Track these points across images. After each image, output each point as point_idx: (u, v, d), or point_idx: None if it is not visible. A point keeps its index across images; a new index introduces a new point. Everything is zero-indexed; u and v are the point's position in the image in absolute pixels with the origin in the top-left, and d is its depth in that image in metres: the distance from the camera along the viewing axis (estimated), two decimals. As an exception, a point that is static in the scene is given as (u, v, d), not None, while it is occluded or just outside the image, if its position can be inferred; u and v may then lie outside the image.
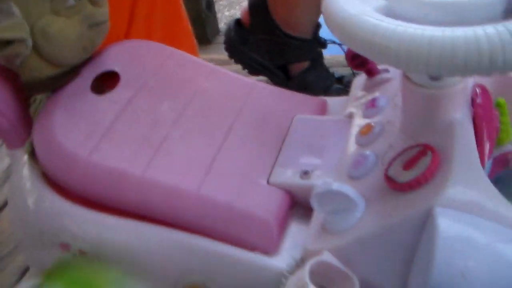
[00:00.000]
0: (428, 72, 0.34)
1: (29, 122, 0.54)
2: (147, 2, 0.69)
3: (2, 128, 0.52)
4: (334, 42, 0.91)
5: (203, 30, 1.42)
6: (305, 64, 0.93)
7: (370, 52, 0.33)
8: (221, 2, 2.20)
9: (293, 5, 0.89)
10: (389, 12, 0.35)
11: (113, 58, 0.58)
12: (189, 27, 0.77)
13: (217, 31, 1.45)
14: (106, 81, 0.57)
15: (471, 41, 0.29)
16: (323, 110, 0.57)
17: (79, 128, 0.51)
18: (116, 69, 0.57)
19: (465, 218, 0.37)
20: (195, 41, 0.78)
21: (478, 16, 0.33)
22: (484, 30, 0.29)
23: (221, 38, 1.07)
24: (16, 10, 0.48)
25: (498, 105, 0.48)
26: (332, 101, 0.58)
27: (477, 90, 0.45)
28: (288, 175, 0.48)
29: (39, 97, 0.55)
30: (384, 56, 0.32)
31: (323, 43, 0.93)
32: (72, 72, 0.55)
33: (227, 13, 2.09)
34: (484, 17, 0.33)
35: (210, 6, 1.53)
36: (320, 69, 0.94)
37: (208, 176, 0.48)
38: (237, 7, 1.94)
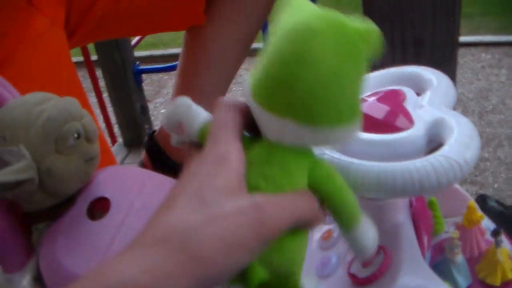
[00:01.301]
0: (378, 197, 0.45)
1: (30, 249, 0.60)
2: None
3: (2, 253, 0.58)
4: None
5: (138, 134, 1.49)
6: None
7: None
8: (156, 100, 2.28)
9: None
10: (340, 150, 0.46)
11: (103, 185, 0.66)
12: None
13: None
14: (98, 205, 0.64)
15: (406, 173, 0.40)
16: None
17: (80, 252, 0.58)
18: (106, 194, 0.65)
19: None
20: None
21: (409, 150, 0.45)
22: (414, 164, 0.41)
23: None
24: (26, 152, 0.56)
25: (431, 203, 0.59)
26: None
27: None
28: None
29: (40, 226, 0.61)
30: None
31: None
32: (68, 201, 0.62)
33: (163, 111, 2.16)
34: (413, 150, 0.45)
35: (145, 110, 1.61)
36: None
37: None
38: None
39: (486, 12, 2.82)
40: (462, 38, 2.58)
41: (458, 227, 0.57)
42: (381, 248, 0.50)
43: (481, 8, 2.84)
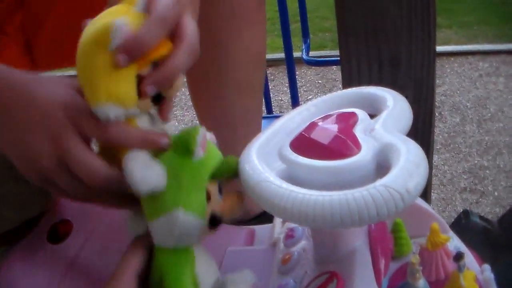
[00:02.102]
0: (317, 227, 0.44)
1: None
2: None
3: None
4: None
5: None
6: None
7: (272, 211, 0.43)
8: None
9: None
10: (288, 175, 0.45)
11: (68, 206, 0.66)
12: None
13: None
14: (62, 227, 0.64)
15: (343, 204, 0.39)
16: (251, 239, 0.66)
17: (39, 277, 0.58)
18: (69, 217, 0.64)
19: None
20: None
21: (355, 176, 0.43)
22: (352, 194, 0.39)
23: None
24: None
25: (396, 224, 0.58)
26: (259, 230, 0.67)
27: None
28: (224, 304, 0.56)
29: None
30: (283, 215, 0.42)
31: None
32: (31, 222, 0.62)
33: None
34: (360, 177, 0.43)
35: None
36: None
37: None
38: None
39: (484, 20, 2.79)
40: (460, 47, 2.58)
41: (422, 249, 0.56)
42: (334, 275, 0.48)
43: (479, 16, 2.82)
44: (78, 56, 0.49)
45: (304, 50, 1.84)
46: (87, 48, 0.48)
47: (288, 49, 1.74)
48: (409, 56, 0.84)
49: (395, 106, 0.52)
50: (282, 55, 1.83)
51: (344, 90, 0.57)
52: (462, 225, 0.84)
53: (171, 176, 0.46)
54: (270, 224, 0.66)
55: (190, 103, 2.48)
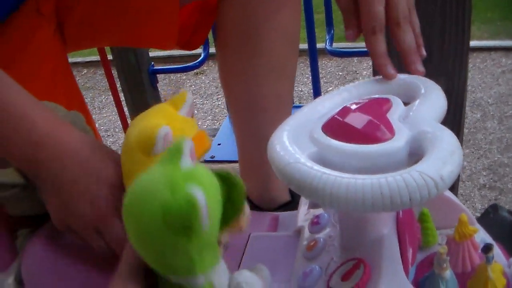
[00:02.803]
0: (347, 210, 0.43)
1: (14, 252, 0.60)
2: None
3: None
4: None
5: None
6: None
7: (302, 192, 0.42)
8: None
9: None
10: (319, 158, 0.45)
11: None
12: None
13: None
14: None
15: (375, 188, 0.38)
16: (275, 225, 0.65)
17: (61, 259, 0.58)
18: None
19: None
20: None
21: (388, 162, 0.43)
22: (385, 179, 0.39)
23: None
24: None
25: (422, 215, 0.57)
26: (283, 216, 0.67)
27: (401, 207, 0.54)
28: (247, 288, 0.56)
29: (24, 231, 0.61)
30: (314, 197, 0.41)
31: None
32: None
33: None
34: (393, 163, 0.43)
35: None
36: None
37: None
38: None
39: (507, 16, 2.76)
40: (482, 43, 2.54)
41: (449, 240, 0.55)
42: (361, 262, 0.48)
43: (502, 12, 2.79)
44: (123, 149, 0.53)
45: (327, 41, 1.83)
46: (130, 148, 0.51)
47: (311, 39, 1.73)
48: (441, 48, 0.83)
49: (430, 94, 0.51)
50: (304, 45, 1.82)
51: (378, 77, 0.57)
52: (491, 219, 0.83)
53: (178, 252, 0.41)
54: (294, 211, 0.66)
55: (209, 91, 2.50)
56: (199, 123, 2.25)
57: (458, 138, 0.97)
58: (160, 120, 0.51)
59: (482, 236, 0.60)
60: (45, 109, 0.56)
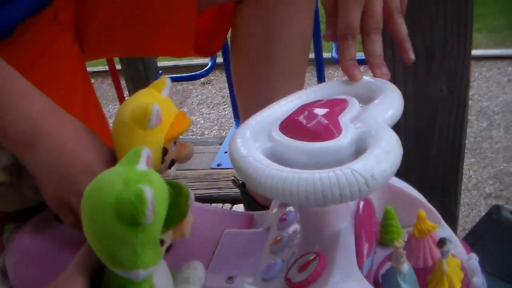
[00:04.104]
0: (287, 202, 0.46)
1: (0, 245, 0.64)
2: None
3: None
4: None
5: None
6: None
7: (249, 184, 0.45)
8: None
9: None
10: (272, 154, 0.48)
11: None
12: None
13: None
14: None
15: (309, 182, 0.41)
16: (250, 223, 0.68)
17: (46, 252, 0.61)
18: None
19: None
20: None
21: (333, 159, 0.45)
22: (320, 174, 0.41)
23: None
24: (10, 156, 0.60)
25: (387, 212, 0.60)
26: (257, 215, 0.69)
27: (361, 203, 0.56)
28: (216, 280, 0.59)
29: (11, 226, 0.65)
30: (258, 188, 0.44)
31: None
32: (41, 205, 0.65)
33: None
34: (337, 160, 0.45)
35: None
36: None
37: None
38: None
39: (514, 25, 2.76)
40: (489, 51, 2.54)
41: (409, 236, 0.57)
42: (317, 254, 0.50)
43: (508, 21, 2.78)
44: (115, 128, 0.58)
45: (334, 49, 1.85)
46: (126, 124, 0.57)
47: (317, 49, 1.75)
48: (443, 47, 0.84)
49: (386, 97, 0.53)
50: (311, 55, 1.84)
51: (345, 78, 0.59)
52: (493, 219, 0.84)
53: (124, 244, 0.45)
54: (266, 211, 0.69)
55: (216, 101, 2.53)
56: (206, 132, 2.29)
57: (461, 137, 0.97)
58: (149, 99, 0.57)
59: (446, 232, 0.62)
60: (42, 94, 0.59)
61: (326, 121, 0.48)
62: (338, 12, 0.60)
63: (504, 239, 0.83)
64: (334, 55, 1.89)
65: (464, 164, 1.99)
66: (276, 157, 0.47)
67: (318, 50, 1.76)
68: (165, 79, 0.61)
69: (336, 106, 0.51)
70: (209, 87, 2.66)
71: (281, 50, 0.85)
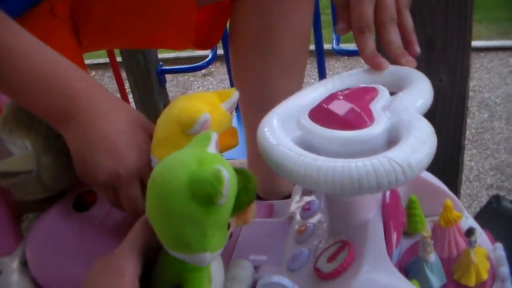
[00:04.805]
0: (321, 191, 0.45)
1: (19, 235, 0.63)
2: None
3: None
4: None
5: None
6: None
7: (281, 173, 0.45)
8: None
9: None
10: (302, 142, 0.47)
11: None
12: None
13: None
14: (87, 197, 0.67)
15: (345, 171, 0.41)
16: (270, 212, 0.68)
17: (64, 242, 0.60)
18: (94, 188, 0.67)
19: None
20: None
21: (365, 148, 0.45)
22: (355, 163, 0.41)
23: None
24: (29, 145, 0.59)
25: (411, 202, 0.59)
26: (278, 204, 0.69)
27: (387, 192, 0.56)
28: (240, 271, 0.58)
29: (30, 215, 0.64)
30: (290, 177, 0.44)
31: None
32: (60, 195, 0.65)
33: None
34: (370, 149, 0.45)
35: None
36: None
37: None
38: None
39: (515, 16, 2.76)
40: (490, 43, 2.54)
41: (435, 226, 0.57)
42: (346, 244, 0.50)
43: (510, 12, 2.78)
44: (160, 121, 0.57)
45: (334, 40, 1.84)
46: (169, 122, 0.56)
47: (318, 41, 1.75)
48: (444, 38, 0.84)
49: (416, 85, 0.53)
50: (311, 46, 1.83)
51: (366, 67, 0.59)
52: (493, 209, 0.84)
53: (194, 225, 0.44)
54: (288, 199, 0.68)
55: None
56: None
57: (462, 128, 0.98)
58: (204, 107, 0.55)
59: (469, 222, 0.61)
60: (79, 69, 0.60)
61: (358, 110, 0.47)
62: (350, 6, 0.61)
63: (504, 228, 0.83)
64: (335, 46, 1.88)
65: (466, 155, 2.00)
66: (307, 145, 0.46)
67: (318, 42, 1.76)
68: (234, 92, 0.59)
69: (366, 94, 0.51)
70: (210, 79, 2.65)
71: (280, 44, 0.86)
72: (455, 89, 0.91)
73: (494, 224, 0.83)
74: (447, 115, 0.94)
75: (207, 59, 2.06)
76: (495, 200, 0.91)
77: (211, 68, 2.22)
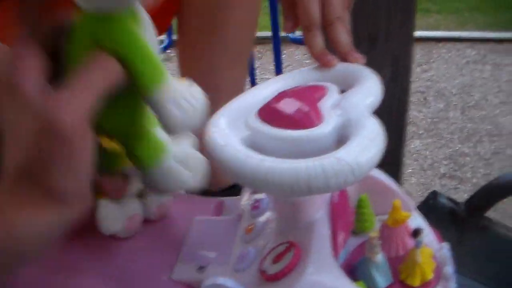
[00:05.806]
0: (270, 194, 0.44)
1: None
2: None
3: None
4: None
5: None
6: None
7: (230, 174, 0.43)
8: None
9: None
10: (251, 142, 0.46)
11: None
12: None
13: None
14: None
15: (292, 172, 0.40)
16: (220, 210, 0.66)
17: None
18: None
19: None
20: None
21: (314, 148, 0.44)
22: (305, 163, 0.40)
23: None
24: None
25: (361, 201, 0.59)
26: (228, 201, 0.68)
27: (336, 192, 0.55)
28: (186, 270, 0.57)
29: None
30: (238, 179, 0.43)
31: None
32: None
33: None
34: (320, 148, 0.44)
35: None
36: None
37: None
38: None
39: (475, 7, 2.79)
40: (449, 33, 2.58)
41: (383, 226, 0.57)
42: (292, 245, 0.49)
43: (470, 3, 2.82)
44: None
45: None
46: None
47: (275, 28, 1.74)
48: (387, 33, 0.85)
49: (365, 82, 0.52)
50: (269, 33, 1.82)
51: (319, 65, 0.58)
52: (430, 205, 0.85)
53: None
54: (238, 197, 0.67)
55: (177, 77, 2.47)
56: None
57: (403, 123, 1.00)
58: None
59: (418, 221, 0.62)
60: None
61: (307, 108, 0.46)
62: (296, 5, 0.60)
63: (440, 224, 0.84)
64: (291, 35, 1.89)
65: (421, 144, 2.03)
66: (255, 146, 0.45)
67: (275, 30, 1.75)
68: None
69: (315, 92, 0.50)
70: (169, 65, 2.62)
71: (226, 35, 0.87)
72: (398, 84, 0.93)
73: (431, 221, 0.85)
74: (389, 110, 0.96)
75: (163, 45, 2.05)
76: (432, 196, 0.93)
77: (170, 54, 2.19)
